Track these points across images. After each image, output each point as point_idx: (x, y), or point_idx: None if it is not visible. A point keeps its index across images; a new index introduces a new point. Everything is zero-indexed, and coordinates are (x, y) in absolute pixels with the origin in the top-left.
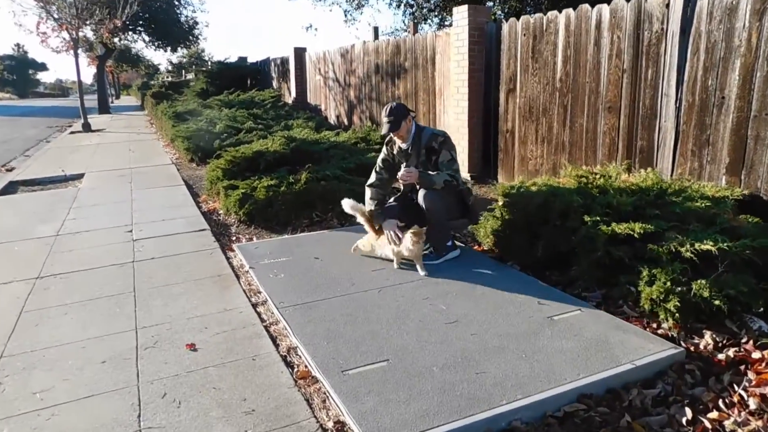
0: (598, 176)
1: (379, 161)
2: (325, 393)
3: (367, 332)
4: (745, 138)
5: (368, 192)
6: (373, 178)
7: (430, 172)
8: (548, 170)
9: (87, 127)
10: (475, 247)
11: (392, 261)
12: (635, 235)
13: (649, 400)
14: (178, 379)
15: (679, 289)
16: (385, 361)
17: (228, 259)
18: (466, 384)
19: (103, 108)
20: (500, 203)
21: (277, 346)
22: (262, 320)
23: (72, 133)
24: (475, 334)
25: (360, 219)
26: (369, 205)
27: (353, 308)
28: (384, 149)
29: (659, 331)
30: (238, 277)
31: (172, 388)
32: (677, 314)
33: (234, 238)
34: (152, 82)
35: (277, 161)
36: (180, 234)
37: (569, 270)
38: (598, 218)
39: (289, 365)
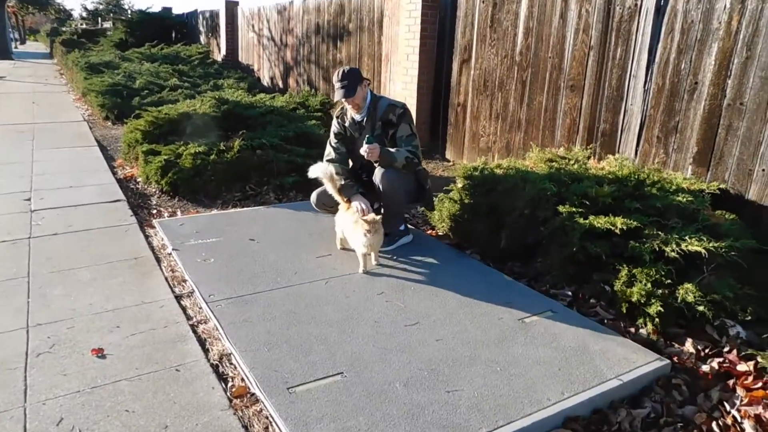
0: (570, 161)
1: (331, 135)
2: (267, 418)
3: (315, 336)
4: (716, 127)
5: (328, 166)
6: (330, 153)
7: (389, 149)
8: (501, 149)
9: None
10: (429, 232)
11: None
12: (616, 230)
13: (639, 422)
14: (79, 398)
15: (661, 291)
16: (339, 375)
17: (147, 237)
18: (437, 406)
19: (4, 53)
20: (459, 185)
21: (206, 351)
22: (188, 317)
23: None
24: (441, 340)
25: (330, 188)
26: (336, 176)
27: (297, 304)
28: (335, 122)
29: (637, 336)
30: (158, 260)
31: (71, 411)
32: (657, 319)
33: (155, 212)
34: (63, 29)
35: (207, 125)
36: (90, 205)
37: (534, 262)
38: (574, 210)
39: (222, 378)
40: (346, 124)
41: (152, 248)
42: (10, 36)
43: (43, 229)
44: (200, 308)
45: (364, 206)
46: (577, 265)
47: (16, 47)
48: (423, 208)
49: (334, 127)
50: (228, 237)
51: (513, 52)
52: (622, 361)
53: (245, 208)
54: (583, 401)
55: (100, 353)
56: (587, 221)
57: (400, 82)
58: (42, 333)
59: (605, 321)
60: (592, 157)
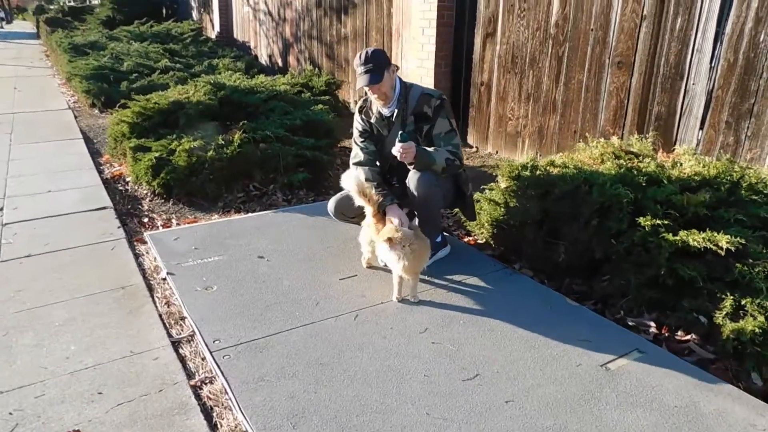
0: (640, 158)
1: (356, 135)
2: None
3: (351, 400)
4: None
5: (357, 172)
6: (358, 155)
7: (426, 149)
8: (532, 134)
9: None
10: (466, 239)
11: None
12: (719, 250)
13: None
14: None
15: None
16: None
17: (137, 256)
18: None
19: None
20: (503, 186)
21: (214, 429)
22: (189, 374)
23: None
24: (512, 402)
25: (359, 199)
26: (365, 182)
27: (323, 351)
28: (357, 118)
29: (752, 386)
30: (151, 289)
31: None
32: None
33: (146, 220)
34: (51, 6)
35: (202, 115)
36: (71, 215)
37: (599, 281)
38: (659, 222)
39: None
40: (372, 120)
41: (143, 272)
42: None
43: (14, 249)
44: (203, 359)
45: (402, 220)
46: (661, 289)
47: (1, 27)
48: (456, 210)
49: (358, 124)
50: (232, 254)
51: (547, 24)
52: (749, 429)
53: (250, 214)
54: None
55: None
56: (678, 238)
57: (415, 59)
58: (3, 407)
59: (706, 364)
60: (660, 150)
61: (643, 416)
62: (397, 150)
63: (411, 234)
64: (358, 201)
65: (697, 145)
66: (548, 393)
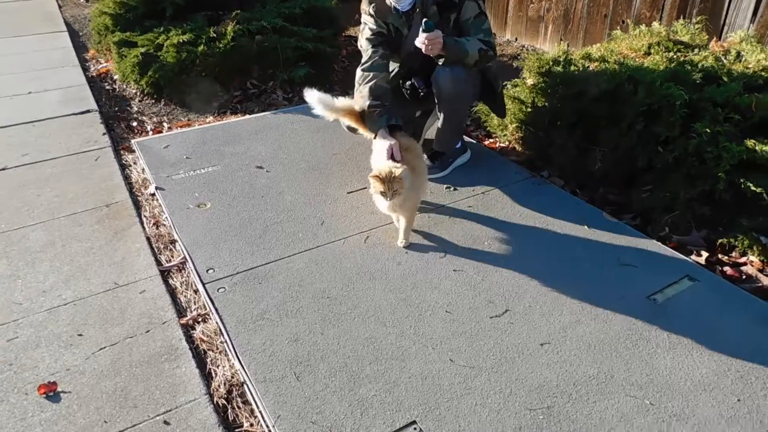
0: (692, 50)
1: (365, 38)
2: None
3: (363, 343)
4: None
5: (363, 80)
6: (368, 60)
7: (457, 39)
8: (557, 18)
9: None
10: (486, 143)
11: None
12: None
13: None
14: None
15: None
16: (410, 427)
17: (124, 167)
18: None
19: None
20: (530, 83)
21: (208, 378)
22: (180, 311)
23: None
24: (548, 345)
25: (331, 116)
26: (364, 101)
27: (330, 279)
28: (369, 20)
29: None
30: (138, 207)
31: None
32: None
33: (135, 124)
34: None
35: (190, 4)
36: (53, 119)
37: (639, 192)
38: (719, 129)
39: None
40: (388, 20)
41: (130, 186)
42: None
43: None
44: (196, 292)
45: (393, 152)
46: (717, 204)
47: None
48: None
49: (370, 25)
50: (228, 164)
51: None
52: None
53: (247, 116)
54: None
55: (51, 391)
56: (742, 147)
57: None
58: None
59: (764, 289)
60: (715, 39)
61: (701, 361)
62: (421, 41)
63: (401, 172)
64: (343, 120)
65: (751, 26)
66: (589, 332)
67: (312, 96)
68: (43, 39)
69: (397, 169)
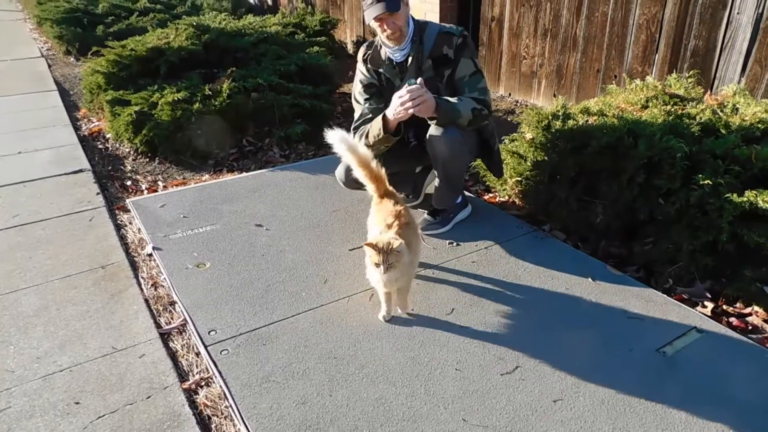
0: (688, 103)
1: (358, 91)
2: None
3: (373, 404)
4: None
5: (359, 137)
6: (361, 114)
7: (449, 99)
8: (550, 74)
9: None
10: (486, 197)
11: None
12: None
13: None
14: None
15: None
16: None
17: (119, 228)
18: None
19: None
20: (529, 137)
21: None
22: (182, 375)
23: None
24: (561, 402)
25: (354, 165)
26: (363, 143)
27: (337, 341)
28: (361, 69)
29: None
30: (135, 268)
31: None
32: None
33: (129, 183)
34: None
35: (185, 63)
36: (44, 179)
37: (641, 244)
38: (720, 181)
39: None
40: (381, 69)
41: (126, 246)
42: None
43: None
44: (198, 355)
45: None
46: (720, 256)
47: None
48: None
49: (361, 75)
50: (226, 222)
51: None
52: None
53: (244, 174)
54: None
55: None
56: (744, 199)
57: None
58: None
59: None
60: (709, 92)
61: (714, 416)
62: (399, 96)
63: (399, 245)
64: (356, 169)
65: (741, 81)
66: (601, 388)
67: (335, 136)
68: (32, 98)
69: (396, 241)
